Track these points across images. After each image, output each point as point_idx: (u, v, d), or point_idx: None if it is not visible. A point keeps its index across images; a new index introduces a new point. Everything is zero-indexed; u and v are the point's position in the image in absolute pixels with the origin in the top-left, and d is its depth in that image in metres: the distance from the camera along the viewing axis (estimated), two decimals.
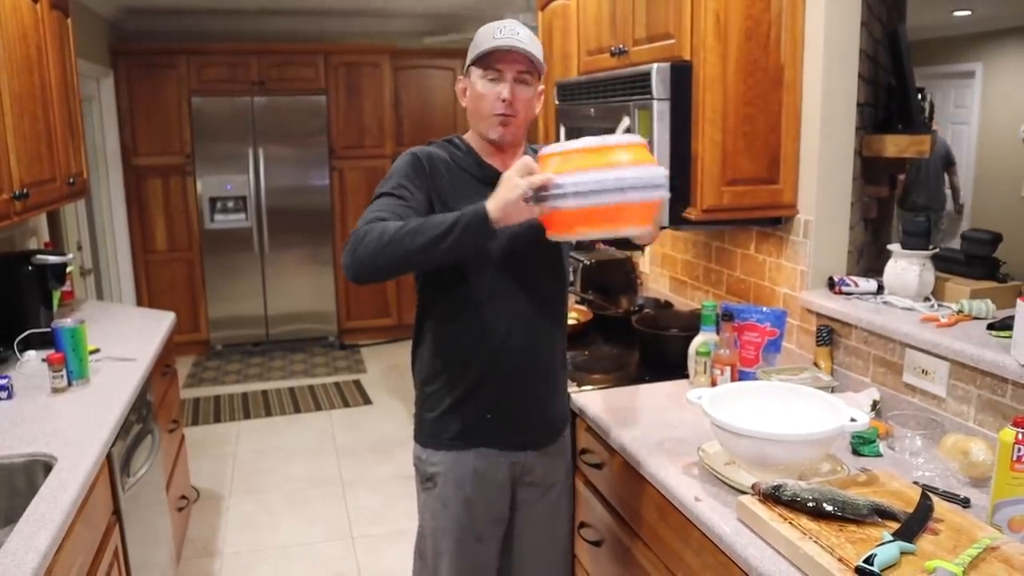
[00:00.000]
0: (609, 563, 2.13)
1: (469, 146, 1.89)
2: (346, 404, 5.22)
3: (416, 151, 1.87)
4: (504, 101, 1.78)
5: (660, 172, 1.60)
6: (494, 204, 1.57)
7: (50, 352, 2.42)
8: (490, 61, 1.78)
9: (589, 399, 2.23)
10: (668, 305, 3.04)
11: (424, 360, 1.96)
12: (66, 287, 3.29)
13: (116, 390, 2.42)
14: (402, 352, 6.29)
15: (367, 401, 5.27)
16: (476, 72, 1.80)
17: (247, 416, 5.03)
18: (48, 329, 2.52)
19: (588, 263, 3.23)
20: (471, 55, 1.81)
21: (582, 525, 2.26)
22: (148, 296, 6.06)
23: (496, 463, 1.93)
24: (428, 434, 1.95)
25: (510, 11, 6.10)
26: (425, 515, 1.99)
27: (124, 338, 2.99)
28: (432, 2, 6.02)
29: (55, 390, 2.38)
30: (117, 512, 2.18)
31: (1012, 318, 1.76)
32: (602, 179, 1.54)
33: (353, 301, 6.48)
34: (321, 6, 6.09)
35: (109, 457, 2.13)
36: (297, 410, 5.13)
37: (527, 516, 2.04)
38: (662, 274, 3.26)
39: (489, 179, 1.81)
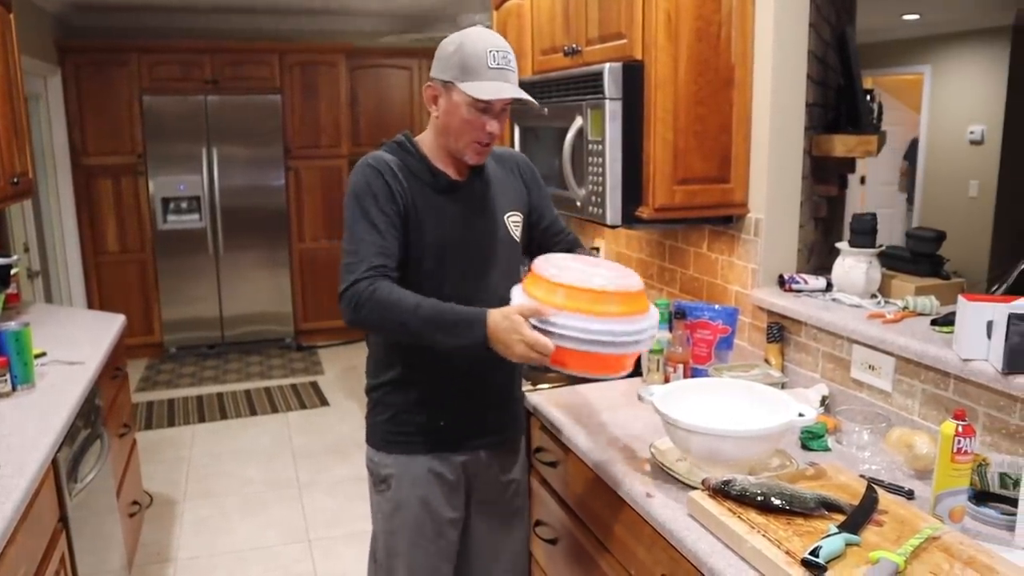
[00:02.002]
0: (565, 561, 2.14)
1: (421, 153, 1.85)
2: (303, 406, 5.17)
3: (375, 164, 1.79)
4: (490, 134, 1.78)
5: (645, 326, 1.63)
6: (493, 341, 1.62)
7: None
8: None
9: (544, 398, 2.24)
10: None
11: (376, 364, 1.94)
12: (11, 289, 3.21)
13: (63, 394, 2.37)
14: (360, 353, 6.24)
15: (324, 403, 5.23)
16: (461, 96, 1.74)
17: (202, 419, 4.96)
18: None
19: None
20: (457, 72, 1.74)
21: (537, 523, 2.26)
22: (99, 298, 5.94)
23: (450, 463, 1.92)
24: (380, 437, 1.94)
25: (466, 10, 6.09)
26: (378, 517, 1.98)
27: (72, 341, 2.93)
28: (390, 1, 5.99)
29: None
30: (64, 519, 2.14)
31: (954, 314, 1.81)
32: (588, 329, 1.56)
33: (310, 302, 6.43)
34: (276, 4, 6.03)
35: (55, 463, 2.08)
36: (253, 412, 5.07)
37: (483, 515, 2.04)
38: None
39: (442, 187, 1.84)
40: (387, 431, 1.92)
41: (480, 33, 1.77)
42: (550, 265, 1.68)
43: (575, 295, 1.58)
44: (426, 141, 1.88)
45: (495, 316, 1.63)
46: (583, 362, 1.60)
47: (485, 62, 1.73)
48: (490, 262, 1.90)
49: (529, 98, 1.79)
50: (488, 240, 1.90)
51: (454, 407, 1.91)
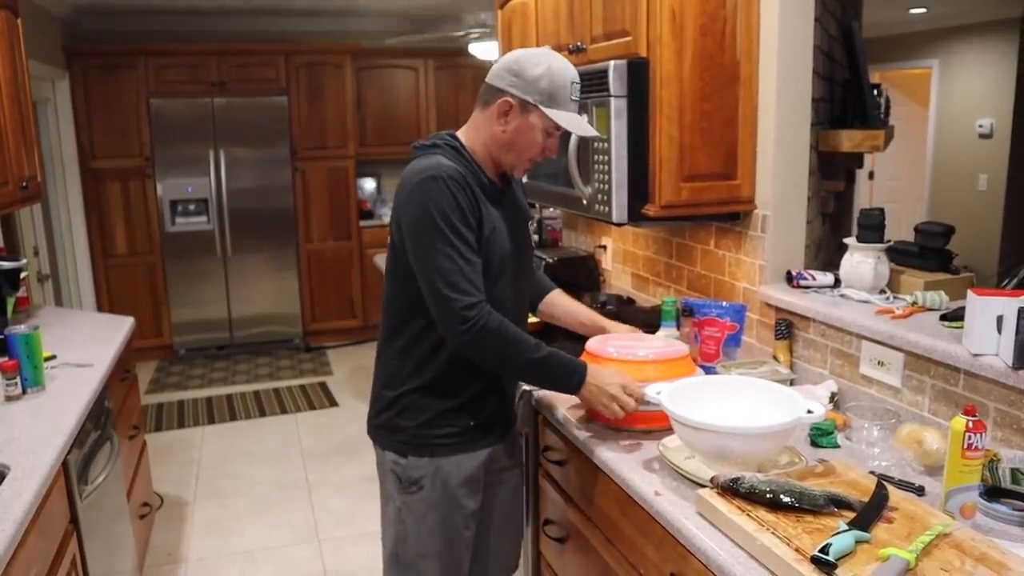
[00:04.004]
0: (573, 559, 2.13)
1: (477, 163, 1.87)
2: (312, 407, 5.18)
3: (454, 176, 1.77)
4: (547, 155, 1.88)
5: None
6: (584, 390, 1.84)
7: (3, 359, 2.37)
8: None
9: (552, 396, 2.23)
10: (630, 302, 3.06)
11: (401, 370, 1.93)
12: (21, 293, 3.23)
13: (72, 397, 2.38)
14: (368, 353, 6.25)
15: (333, 403, 5.24)
16: (541, 120, 1.80)
17: (211, 421, 4.98)
18: (1, 336, 2.47)
19: (552, 260, 3.23)
20: (544, 98, 1.78)
21: (546, 522, 2.26)
22: (109, 301, 5.97)
23: (476, 459, 1.95)
24: (408, 442, 1.93)
25: (471, 10, 6.09)
26: (407, 519, 1.97)
27: (81, 344, 2.94)
28: (395, 1, 6.00)
29: (9, 398, 2.33)
30: (74, 521, 2.14)
31: (964, 309, 1.79)
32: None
33: (318, 303, 6.44)
34: (282, 6, 6.04)
35: (65, 465, 2.09)
36: (262, 413, 5.08)
37: (494, 499, 2.08)
38: (624, 271, 3.27)
39: (494, 196, 1.88)
40: (418, 435, 1.92)
41: (560, 60, 1.83)
42: (615, 346, 2.01)
43: (662, 367, 1.94)
44: (473, 147, 1.88)
45: (592, 365, 1.87)
46: (645, 419, 1.90)
47: (568, 93, 1.82)
48: (526, 269, 2.00)
49: (599, 135, 1.95)
50: (526, 248, 2.00)
51: (482, 407, 1.94)
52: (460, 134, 1.90)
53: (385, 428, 1.97)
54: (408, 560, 1.99)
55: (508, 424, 2.07)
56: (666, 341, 2.10)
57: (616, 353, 1.96)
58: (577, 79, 1.84)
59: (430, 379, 1.90)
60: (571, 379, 1.84)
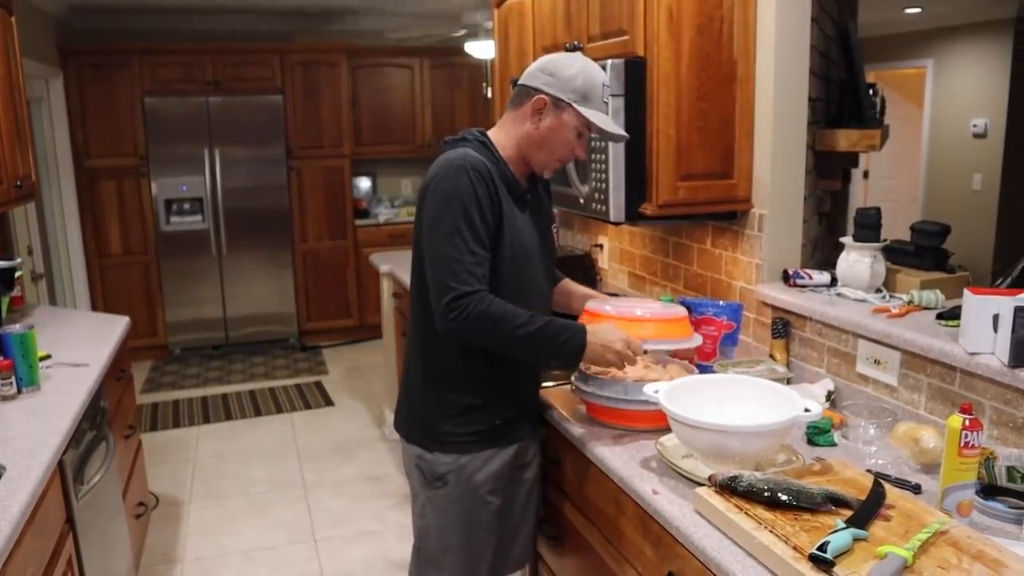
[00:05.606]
0: (571, 558, 2.14)
1: (505, 161, 1.87)
2: (307, 406, 5.17)
3: (478, 168, 1.78)
4: (575, 156, 1.89)
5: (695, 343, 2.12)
6: (588, 350, 1.82)
7: None
8: (591, 126, 1.85)
9: (549, 395, 2.23)
10: None
11: (431, 366, 1.94)
12: (15, 292, 3.22)
13: (68, 396, 2.37)
14: (364, 353, 6.25)
15: (328, 403, 5.23)
16: (574, 118, 1.83)
17: (207, 420, 4.97)
18: None
19: None
20: (578, 96, 1.81)
21: (543, 521, 2.26)
22: (103, 300, 5.94)
23: (502, 455, 1.96)
24: (434, 438, 1.94)
25: (467, 9, 6.07)
26: (430, 513, 1.99)
27: (76, 343, 2.93)
28: (390, 0, 5.99)
29: (4, 398, 2.32)
30: (70, 521, 2.14)
31: (960, 307, 1.80)
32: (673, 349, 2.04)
33: (313, 302, 6.43)
34: (277, 5, 6.02)
35: (61, 465, 2.09)
36: (258, 413, 5.07)
37: (515, 494, 2.09)
38: (621, 270, 3.27)
39: (519, 196, 1.90)
40: (444, 432, 1.93)
41: (591, 62, 1.86)
42: (611, 304, 2.05)
43: (660, 325, 1.99)
44: (503, 145, 1.89)
45: (591, 326, 1.85)
46: (643, 418, 1.91)
47: (600, 94, 1.84)
48: (547, 271, 2.01)
49: (627, 136, 1.96)
50: (547, 251, 2.01)
51: (507, 405, 1.96)
52: (490, 133, 1.91)
53: (410, 423, 1.99)
54: (430, 555, 2.01)
55: (535, 421, 2.10)
56: (664, 304, 2.13)
57: (614, 311, 1.99)
58: (608, 81, 1.87)
59: (452, 375, 1.91)
60: (574, 341, 1.81)
